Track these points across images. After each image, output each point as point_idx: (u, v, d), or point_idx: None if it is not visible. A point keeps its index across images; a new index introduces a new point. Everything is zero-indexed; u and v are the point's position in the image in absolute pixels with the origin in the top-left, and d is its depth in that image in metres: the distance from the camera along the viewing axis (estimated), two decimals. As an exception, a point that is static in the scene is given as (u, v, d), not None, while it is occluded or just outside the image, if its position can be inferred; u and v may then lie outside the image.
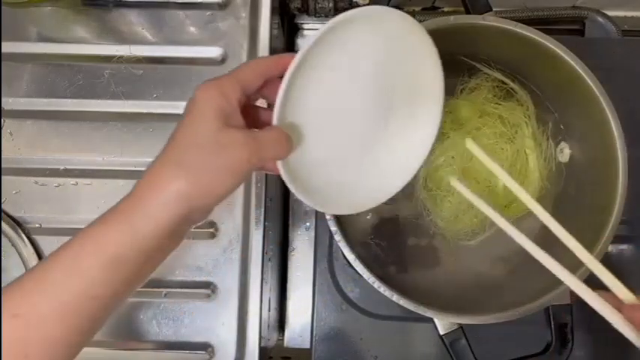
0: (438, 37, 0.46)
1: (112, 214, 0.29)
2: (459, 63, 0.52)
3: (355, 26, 0.34)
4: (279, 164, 0.33)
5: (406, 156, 0.43)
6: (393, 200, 0.53)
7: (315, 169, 0.37)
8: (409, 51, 0.38)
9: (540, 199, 0.52)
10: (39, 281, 0.28)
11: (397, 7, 0.64)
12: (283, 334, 0.59)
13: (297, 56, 0.31)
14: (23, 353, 0.27)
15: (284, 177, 0.34)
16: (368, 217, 0.53)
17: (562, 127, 0.53)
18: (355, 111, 0.38)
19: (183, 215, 0.29)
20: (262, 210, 0.52)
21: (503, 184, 0.51)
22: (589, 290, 0.35)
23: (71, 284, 0.28)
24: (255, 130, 0.32)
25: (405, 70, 0.39)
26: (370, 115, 0.40)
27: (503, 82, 0.52)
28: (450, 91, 0.49)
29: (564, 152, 0.53)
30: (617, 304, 0.34)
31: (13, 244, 0.51)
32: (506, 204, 0.51)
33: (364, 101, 0.39)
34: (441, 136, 0.51)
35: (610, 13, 0.61)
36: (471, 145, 0.46)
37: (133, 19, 0.55)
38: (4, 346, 0.26)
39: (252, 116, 0.35)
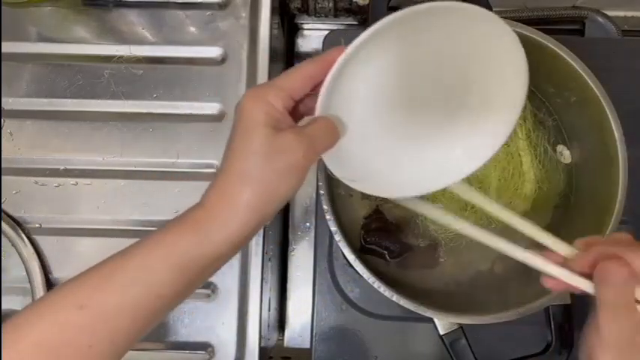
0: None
1: (183, 223, 0.30)
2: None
3: (430, 19, 0.32)
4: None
5: (460, 158, 0.39)
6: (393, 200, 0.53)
7: (356, 155, 0.36)
8: (494, 54, 0.35)
9: (540, 200, 0.52)
10: (106, 278, 0.29)
11: (397, 7, 0.64)
12: (283, 334, 0.59)
13: (345, 52, 0.30)
14: (88, 343, 0.28)
15: (326, 162, 0.34)
16: (366, 217, 0.53)
17: (562, 127, 0.53)
18: (414, 104, 0.37)
19: (255, 222, 0.30)
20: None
21: (496, 186, 0.51)
22: (538, 258, 0.36)
23: (140, 284, 0.29)
24: (302, 125, 0.32)
25: (486, 73, 0.36)
26: (430, 110, 0.37)
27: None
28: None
29: (564, 154, 0.53)
30: (563, 263, 0.35)
31: (13, 244, 0.51)
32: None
33: (425, 96, 0.37)
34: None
35: (610, 13, 0.61)
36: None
37: (133, 19, 0.55)
38: (69, 335, 0.27)
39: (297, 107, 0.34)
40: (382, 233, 0.51)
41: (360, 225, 0.53)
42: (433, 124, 0.38)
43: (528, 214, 0.52)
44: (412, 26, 0.32)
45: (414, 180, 0.38)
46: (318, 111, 0.32)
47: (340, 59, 0.30)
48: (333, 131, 0.32)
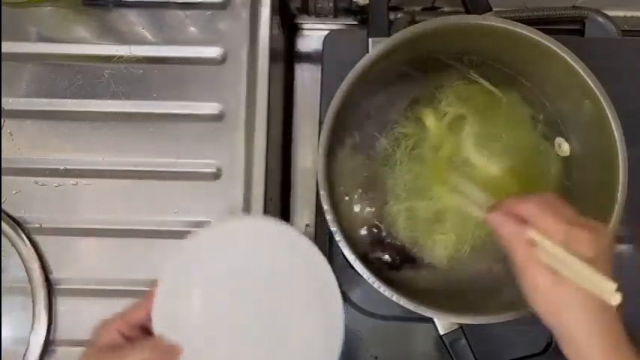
0: (438, 37, 0.47)
1: None
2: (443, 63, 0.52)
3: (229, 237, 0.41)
4: None
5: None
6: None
7: None
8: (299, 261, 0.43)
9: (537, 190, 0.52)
10: None
11: (397, 7, 0.64)
12: (283, 334, 0.59)
13: (158, 288, 0.40)
14: None
15: None
16: (367, 217, 0.53)
17: (561, 127, 0.53)
18: (249, 317, 0.42)
19: None
20: (262, 210, 0.52)
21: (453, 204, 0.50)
22: None
23: None
24: None
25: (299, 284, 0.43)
26: (268, 322, 0.42)
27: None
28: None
29: (562, 146, 0.52)
30: None
31: (13, 244, 0.51)
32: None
33: (256, 308, 0.42)
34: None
35: (610, 13, 0.61)
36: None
37: (133, 19, 0.55)
38: None
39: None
40: (381, 246, 0.51)
41: (361, 224, 0.53)
42: (273, 339, 0.42)
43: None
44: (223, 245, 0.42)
45: None
46: (155, 330, 0.39)
47: (154, 301, 0.39)
48: (151, 348, 0.39)
